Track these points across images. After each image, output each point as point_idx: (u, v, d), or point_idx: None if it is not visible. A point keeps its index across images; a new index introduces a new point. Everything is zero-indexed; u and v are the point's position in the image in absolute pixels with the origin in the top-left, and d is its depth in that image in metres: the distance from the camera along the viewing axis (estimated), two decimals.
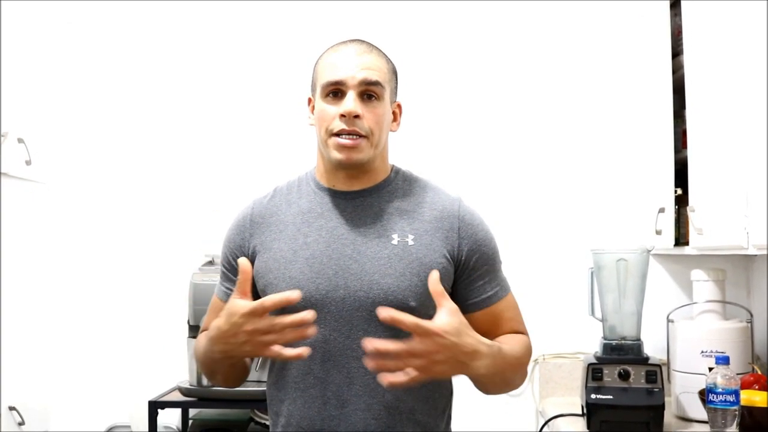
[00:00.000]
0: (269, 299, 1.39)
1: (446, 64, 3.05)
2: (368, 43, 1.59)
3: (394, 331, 1.47)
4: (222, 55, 3.11)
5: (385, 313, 1.36)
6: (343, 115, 1.51)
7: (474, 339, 1.39)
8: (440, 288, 1.40)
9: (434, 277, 1.40)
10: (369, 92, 1.54)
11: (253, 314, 1.38)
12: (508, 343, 1.54)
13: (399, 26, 3.04)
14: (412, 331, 1.34)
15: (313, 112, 1.60)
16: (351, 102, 1.51)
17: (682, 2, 2.46)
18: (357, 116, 1.51)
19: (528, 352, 1.60)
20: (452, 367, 1.39)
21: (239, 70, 3.10)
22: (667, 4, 2.64)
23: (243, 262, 1.44)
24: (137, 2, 3.11)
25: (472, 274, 1.57)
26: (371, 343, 1.35)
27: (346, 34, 1.70)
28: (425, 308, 1.52)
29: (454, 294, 1.58)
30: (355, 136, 1.52)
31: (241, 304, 1.40)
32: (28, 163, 2.58)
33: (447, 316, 1.37)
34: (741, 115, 2.01)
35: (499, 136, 3.02)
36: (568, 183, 2.99)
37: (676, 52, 2.61)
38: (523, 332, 1.63)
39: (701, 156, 2.32)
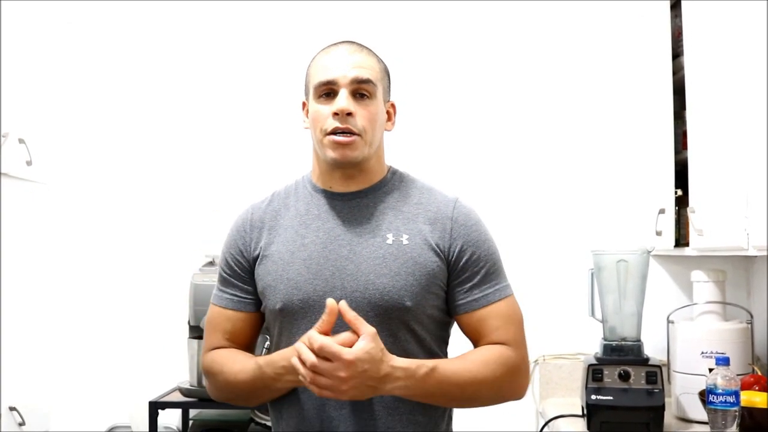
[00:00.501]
0: None
1: (445, 64, 3.05)
2: (359, 44, 1.60)
3: (390, 330, 1.47)
4: (221, 56, 3.11)
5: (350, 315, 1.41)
6: (336, 114, 1.52)
7: (388, 364, 1.40)
8: (353, 314, 1.40)
9: (344, 306, 1.41)
10: (361, 90, 1.54)
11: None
12: (469, 359, 1.51)
13: (397, 27, 3.04)
14: (321, 354, 1.36)
15: (307, 116, 1.61)
16: (343, 100, 1.52)
17: (683, 3, 2.46)
18: (350, 114, 1.52)
19: (505, 366, 1.51)
20: (362, 391, 1.40)
21: (239, 71, 3.10)
22: (668, 4, 2.64)
23: (331, 303, 1.42)
24: (137, 2, 3.11)
25: (461, 276, 1.56)
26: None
27: (343, 36, 1.70)
28: (421, 308, 1.53)
29: (446, 296, 1.58)
30: (349, 134, 1.52)
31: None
32: (28, 163, 2.59)
33: (364, 342, 1.38)
34: (741, 116, 2.01)
35: (498, 136, 3.02)
36: (568, 184, 2.99)
37: (677, 53, 2.60)
38: (509, 343, 1.54)
39: (701, 157, 2.32)
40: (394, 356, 1.43)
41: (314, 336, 1.39)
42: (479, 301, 1.55)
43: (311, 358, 1.37)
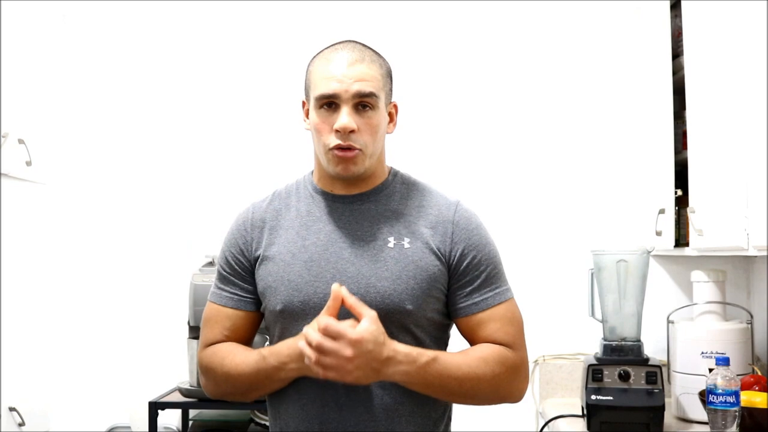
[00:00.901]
0: None
1: (445, 65, 3.05)
2: (361, 47, 1.57)
3: (389, 332, 1.47)
4: (221, 56, 3.11)
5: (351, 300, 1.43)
6: (337, 130, 1.51)
7: (390, 347, 1.43)
8: (353, 299, 1.43)
9: (345, 292, 1.44)
10: (363, 102, 1.52)
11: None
12: (470, 355, 1.51)
13: (397, 27, 3.04)
14: (327, 333, 1.38)
15: (307, 116, 1.60)
16: (345, 117, 1.50)
17: (683, 3, 2.46)
18: (352, 131, 1.51)
19: (503, 366, 1.51)
20: (366, 373, 1.41)
21: (239, 70, 3.10)
22: (668, 4, 2.64)
23: (335, 287, 1.44)
24: (138, 3, 3.11)
25: (462, 279, 1.56)
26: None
27: (344, 36, 1.69)
28: (422, 311, 1.53)
29: (446, 299, 1.57)
30: (351, 150, 1.51)
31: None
32: (28, 163, 2.59)
33: (367, 324, 1.40)
34: (741, 116, 2.01)
35: (498, 137, 3.02)
36: (568, 184, 2.99)
37: (677, 53, 2.60)
38: (508, 344, 1.54)
39: (701, 157, 2.32)
40: (396, 341, 1.45)
41: (320, 317, 1.41)
42: (479, 304, 1.56)
43: (317, 337, 1.38)
